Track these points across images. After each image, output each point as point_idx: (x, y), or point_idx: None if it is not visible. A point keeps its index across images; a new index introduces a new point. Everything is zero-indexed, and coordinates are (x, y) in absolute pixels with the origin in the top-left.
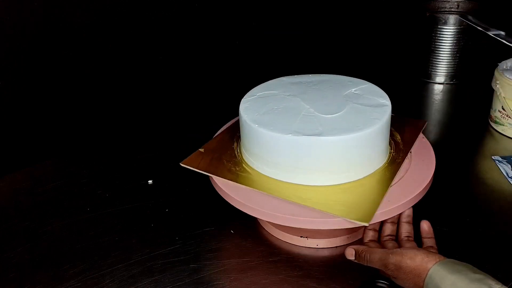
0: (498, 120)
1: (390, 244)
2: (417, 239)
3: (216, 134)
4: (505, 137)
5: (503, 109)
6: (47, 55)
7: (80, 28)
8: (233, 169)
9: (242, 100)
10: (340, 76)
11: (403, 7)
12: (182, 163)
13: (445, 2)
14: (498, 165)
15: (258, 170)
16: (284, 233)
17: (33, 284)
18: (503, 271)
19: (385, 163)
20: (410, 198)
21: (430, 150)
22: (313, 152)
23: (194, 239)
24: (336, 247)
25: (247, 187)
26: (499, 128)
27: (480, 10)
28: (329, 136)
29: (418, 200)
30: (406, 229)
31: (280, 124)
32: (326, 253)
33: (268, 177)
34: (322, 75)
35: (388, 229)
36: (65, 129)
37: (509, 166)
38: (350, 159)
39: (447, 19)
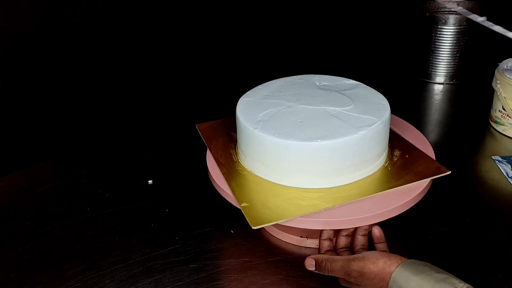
0: (498, 120)
1: (345, 253)
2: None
3: (219, 185)
4: (505, 137)
5: (504, 109)
6: (47, 55)
7: (80, 28)
8: (304, 202)
9: (248, 129)
10: (288, 77)
11: (403, 7)
12: (255, 227)
13: (445, 2)
14: (498, 165)
15: (322, 186)
16: (284, 233)
17: (33, 284)
18: (503, 271)
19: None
20: (410, 198)
21: (430, 150)
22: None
23: (194, 239)
24: None
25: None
26: (499, 128)
27: (480, 10)
28: (380, 121)
29: (419, 200)
30: (360, 241)
31: (333, 131)
32: None
33: (334, 187)
34: (275, 80)
35: (343, 242)
36: (65, 129)
37: (509, 166)
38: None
39: (447, 19)
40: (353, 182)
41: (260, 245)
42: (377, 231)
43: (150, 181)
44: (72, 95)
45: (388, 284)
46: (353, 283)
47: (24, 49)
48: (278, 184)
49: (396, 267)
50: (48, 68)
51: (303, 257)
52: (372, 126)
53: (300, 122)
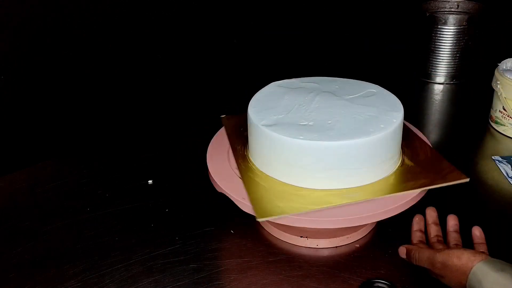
0: (498, 121)
1: (440, 246)
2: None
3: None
4: (506, 137)
5: (504, 109)
6: (47, 55)
7: (80, 28)
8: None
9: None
10: (292, 80)
11: (403, 7)
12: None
13: (445, 2)
14: (498, 165)
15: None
16: (284, 233)
17: (33, 284)
18: None
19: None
20: (410, 198)
21: (430, 150)
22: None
23: (194, 239)
24: (336, 247)
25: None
26: (500, 129)
27: (480, 10)
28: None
29: (418, 200)
30: (454, 237)
31: (365, 129)
32: (326, 253)
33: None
34: (282, 82)
35: (434, 230)
36: (65, 129)
37: (509, 166)
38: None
39: (447, 19)
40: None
41: (260, 245)
42: (477, 232)
43: (150, 181)
44: (72, 95)
45: (468, 277)
46: (438, 274)
47: (24, 49)
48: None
49: (479, 262)
50: (48, 68)
51: (303, 257)
52: (395, 123)
53: (329, 123)
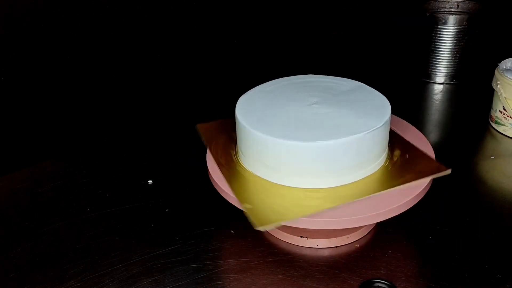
0: (499, 121)
1: None
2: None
3: None
4: (506, 137)
5: (504, 109)
6: (47, 55)
7: (80, 28)
8: (307, 202)
9: (248, 130)
10: (287, 77)
11: (403, 7)
12: (260, 227)
13: (445, 2)
14: None
15: (323, 186)
16: (284, 233)
17: (33, 284)
18: (503, 271)
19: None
20: (410, 198)
21: (430, 150)
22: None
23: (194, 239)
24: (336, 247)
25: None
26: (500, 129)
27: (481, 10)
28: (381, 123)
29: (418, 200)
30: None
31: (335, 131)
32: (326, 253)
33: (336, 187)
34: (274, 81)
35: None
36: (65, 129)
37: None
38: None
39: (447, 19)
40: (354, 182)
41: (260, 245)
42: None
43: (150, 181)
44: (72, 95)
45: None
46: None
47: (24, 48)
48: (279, 184)
49: None
50: (48, 68)
51: (303, 257)
52: (373, 128)
53: (302, 122)
